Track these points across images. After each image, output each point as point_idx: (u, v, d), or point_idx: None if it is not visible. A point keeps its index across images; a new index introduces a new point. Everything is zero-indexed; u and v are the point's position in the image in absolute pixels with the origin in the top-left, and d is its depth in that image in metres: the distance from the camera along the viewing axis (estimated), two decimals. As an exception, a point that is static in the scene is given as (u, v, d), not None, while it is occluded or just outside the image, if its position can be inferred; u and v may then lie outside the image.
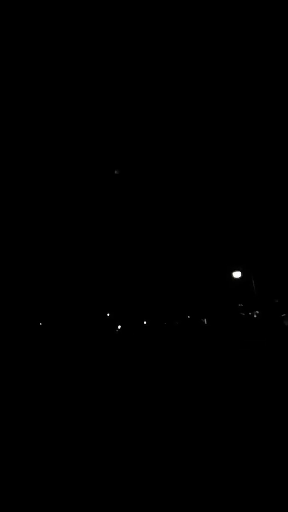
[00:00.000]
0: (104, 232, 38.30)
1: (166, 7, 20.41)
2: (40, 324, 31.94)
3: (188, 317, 38.32)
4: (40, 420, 5.28)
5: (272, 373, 7.54)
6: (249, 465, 3.07)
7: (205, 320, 35.34)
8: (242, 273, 25.06)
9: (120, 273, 41.54)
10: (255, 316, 28.37)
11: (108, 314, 39.93)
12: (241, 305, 29.62)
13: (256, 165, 25.89)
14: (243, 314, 29.57)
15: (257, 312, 27.30)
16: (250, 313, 28.96)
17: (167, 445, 3.75)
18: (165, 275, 39.82)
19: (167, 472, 3.11)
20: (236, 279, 26.12)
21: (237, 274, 24.80)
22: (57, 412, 5.82)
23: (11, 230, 29.92)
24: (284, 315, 23.85)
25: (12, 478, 3.27)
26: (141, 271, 42.17)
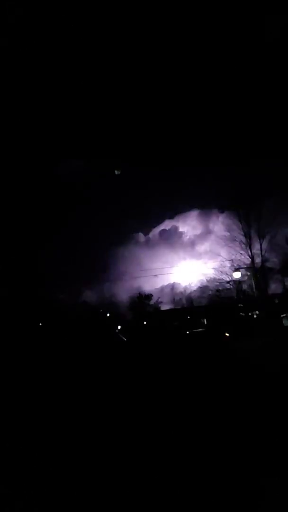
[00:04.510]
0: (104, 231, 38.25)
1: (167, 8, 20.35)
2: (40, 324, 31.91)
3: (188, 317, 38.28)
4: (40, 419, 5.28)
5: (272, 373, 7.54)
6: (248, 463, 3.07)
7: (204, 320, 35.29)
8: (242, 273, 25.03)
9: (120, 273, 41.49)
10: (255, 316, 28.38)
11: (108, 314, 39.96)
12: (241, 305, 29.58)
13: (256, 167, 25.90)
14: (243, 314, 29.54)
15: (257, 312, 27.31)
16: (250, 313, 28.94)
17: (166, 442, 3.75)
18: (164, 275, 39.78)
19: (167, 468, 3.10)
20: (236, 279, 26.10)
21: (237, 274, 24.76)
22: (57, 410, 5.82)
23: (11, 230, 29.87)
24: (284, 315, 23.87)
25: (12, 476, 3.26)
26: (140, 271, 42.10)
